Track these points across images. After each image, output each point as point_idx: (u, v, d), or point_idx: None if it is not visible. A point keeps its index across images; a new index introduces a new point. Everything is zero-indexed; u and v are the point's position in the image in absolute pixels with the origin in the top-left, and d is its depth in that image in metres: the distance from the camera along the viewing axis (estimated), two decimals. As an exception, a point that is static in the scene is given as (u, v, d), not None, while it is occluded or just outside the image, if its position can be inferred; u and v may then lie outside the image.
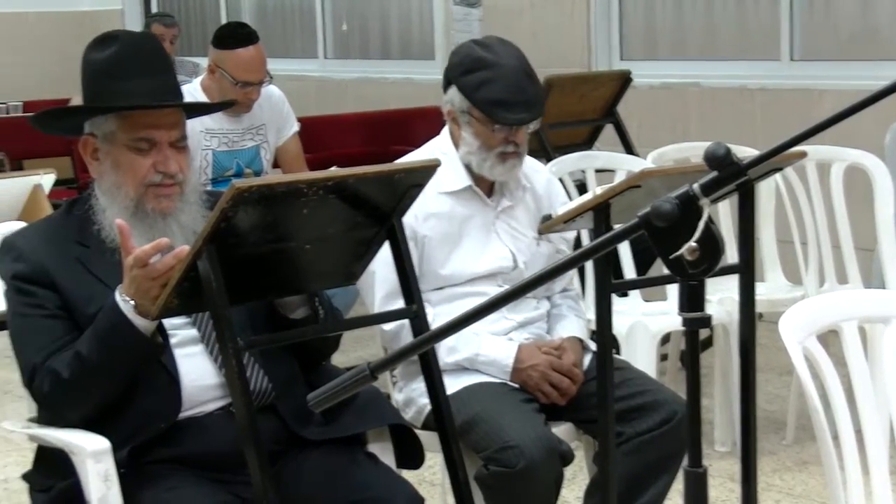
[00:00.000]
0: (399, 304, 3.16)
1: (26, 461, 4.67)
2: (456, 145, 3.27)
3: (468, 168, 3.26)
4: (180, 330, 2.64)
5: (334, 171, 2.79)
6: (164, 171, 2.61)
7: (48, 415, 2.65)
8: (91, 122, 2.66)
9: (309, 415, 2.61)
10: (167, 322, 2.59)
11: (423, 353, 2.62)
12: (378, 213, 2.53)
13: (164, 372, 2.59)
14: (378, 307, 3.15)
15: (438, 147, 3.31)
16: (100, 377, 2.52)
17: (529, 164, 3.40)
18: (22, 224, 2.84)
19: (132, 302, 2.45)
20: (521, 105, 3.16)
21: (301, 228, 2.40)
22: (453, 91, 3.22)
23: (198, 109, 3.10)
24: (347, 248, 2.55)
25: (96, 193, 2.66)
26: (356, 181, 2.42)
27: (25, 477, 2.75)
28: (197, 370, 2.62)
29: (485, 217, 3.29)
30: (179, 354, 2.62)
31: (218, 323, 2.32)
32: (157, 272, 2.40)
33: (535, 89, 3.21)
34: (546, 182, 3.44)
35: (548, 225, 3.06)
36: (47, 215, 2.81)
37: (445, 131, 3.32)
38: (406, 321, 3.13)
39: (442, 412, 2.64)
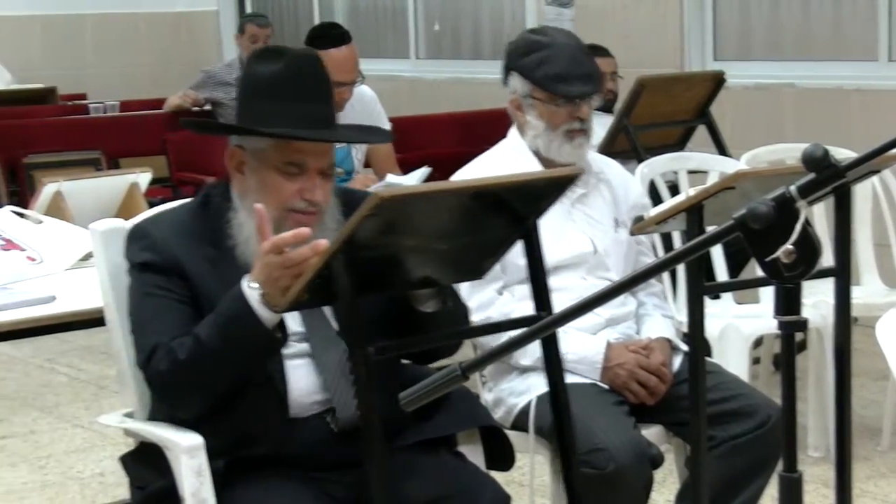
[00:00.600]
0: (486, 291, 3.17)
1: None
2: (523, 134, 3.32)
3: (538, 156, 3.28)
4: (296, 343, 2.59)
5: (478, 179, 2.80)
6: (309, 199, 2.55)
7: (160, 398, 2.61)
8: (241, 136, 2.62)
9: (401, 417, 2.61)
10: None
11: (546, 341, 2.61)
12: (514, 217, 2.55)
13: (271, 378, 2.56)
14: (466, 295, 3.15)
15: (508, 144, 3.37)
16: (215, 364, 2.47)
17: (600, 158, 3.46)
18: (119, 221, 2.87)
19: (259, 290, 2.42)
20: (580, 78, 3.23)
21: (436, 232, 2.42)
22: (514, 78, 3.30)
23: (351, 141, 3.02)
24: (480, 246, 2.56)
25: (235, 205, 2.61)
26: (498, 189, 2.45)
27: (124, 465, 2.76)
28: (304, 384, 2.59)
29: (560, 205, 3.27)
30: (290, 365, 2.58)
31: (347, 321, 2.32)
32: (293, 261, 2.36)
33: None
34: (620, 174, 3.48)
35: (640, 226, 3.05)
36: (180, 206, 2.74)
37: (512, 131, 3.37)
38: (493, 315, 3.14)
39: (560, 403, 2.64)
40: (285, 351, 2.57)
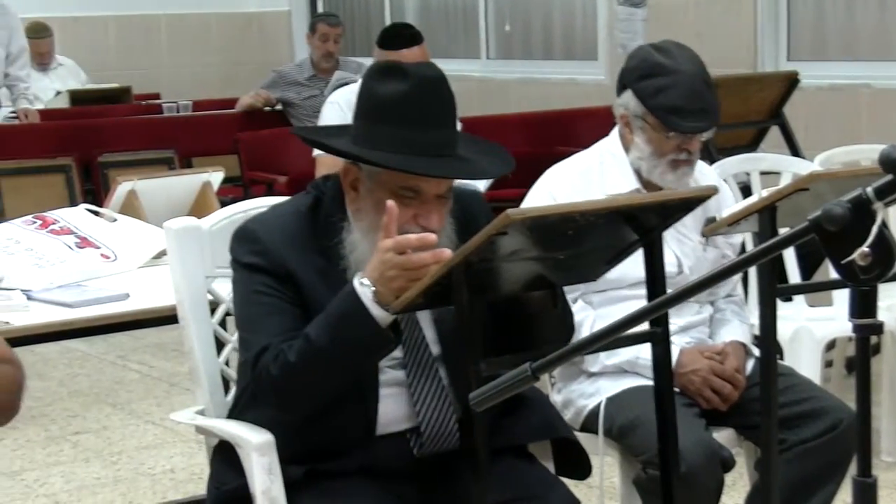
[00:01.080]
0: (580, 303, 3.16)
1: (192, 452, 4.80)
2: (626, 149, 3.24)
3: (637, 173, 3.23)
4: (391, 370, 2.55)
5: (611, 200, 2.78)
6: (424, 225, 2.43)
7: (268, 401, 2.54)
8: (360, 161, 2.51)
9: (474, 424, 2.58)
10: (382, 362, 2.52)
11: (656, 342, 2.59)
12: (640, 228, 2.54)
13: (363, 411, 2.53)
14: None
15: (607, 148, 3.28)
16: (326, 364, 2.42)
17: (698, 167, 3.35)
18: (192, 220, 2.89)
19: (372, 288, 2.36)
20: (697, 113, 3.12)
21: (562, 245, 2.40)
22: (628, 95, 3.19)
23: (473, 177, 2.88)
24: (602, 255, 2.56)
25: (349, 223, 2.53)
26: (630, 209, 2.45)
27: (212, 466, 2.75)
28: (394, 412, 2.55)
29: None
30: (383, 393, 2.54)
31: (463, 326, 2.31)
32: (413, 265, 2.31)
33: (712, 98, 3.17)
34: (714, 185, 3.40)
35: (712, 227, 3.02)
36: (289, 205, 2.65)
37: (615, 133, 3.29)
38: (581, 319, 3.13)
39: (664, 401, 2.62)
40: (381, 377, 2.53)
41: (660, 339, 2.57)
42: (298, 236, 2.53)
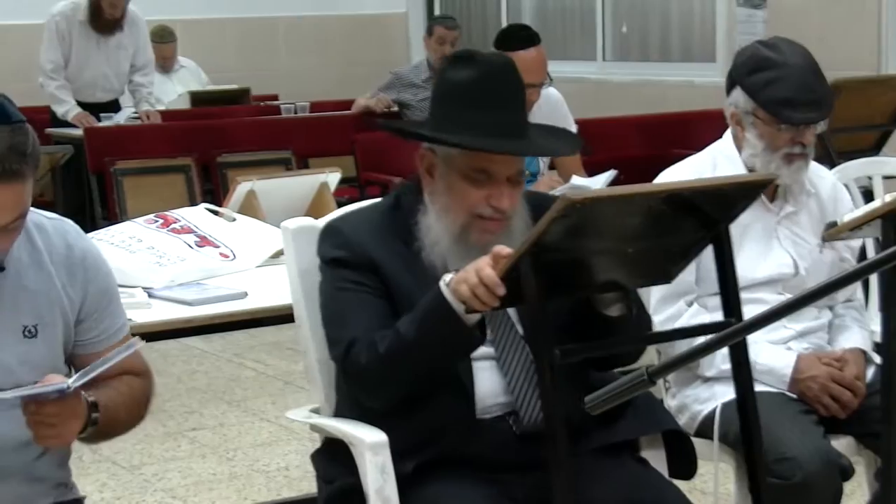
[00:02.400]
0: (675, 306, 3.14)
1: (306, 450, 4.85)
2: (739, 148, 3.21)
3: (752, 171, 3.19)
4: (481, 347, 2.58)
5: (667, 184, 2.79)
6: (495, 206, 2.55)
7: (356, 389, 2.63)
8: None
9: (587, 419, 2.59)
10: None
11: (735, 348, 2.57)
12: (705, 221, 2.51)
13: (461, 389, 2.58)
14: (653, 309, 3.12)
15: (720, 150, 3.25)
16: (414, 357, 2.49)
17: (814, 169, 3.30)
18: (309, 220, 2.92)
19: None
20: (808, 104, 3.08)
21: (625, 234, 2.40)
22: (737, 92, 3.16)
23: (542, 154, 2.95)
24: (669, 250, 2.54)
25: (426, 207, 2.64)
26: (689, 194, 2.42)
27: (314, 461, 2.81)
28: (489, 387, 2.60)
29: (766, 222, 3.22)
30: (476, 367, 2.60)
31: (534, 324, 2.34)
32: (476, 280, 2.38)
33: (823, 88, 3.13)
34: (831, 187, 3.34)
35: (832, 232, 2.98)
36: (372, 205, 2.78)
37: (727, 134, 3.26)
38: (680, 320, 3.11)
39: (748, 411, 2.60)
40: (472, 354, 2.58)
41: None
42: (380, 228, 2.64)
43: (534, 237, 2.27)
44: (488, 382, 2.61)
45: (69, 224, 2.49)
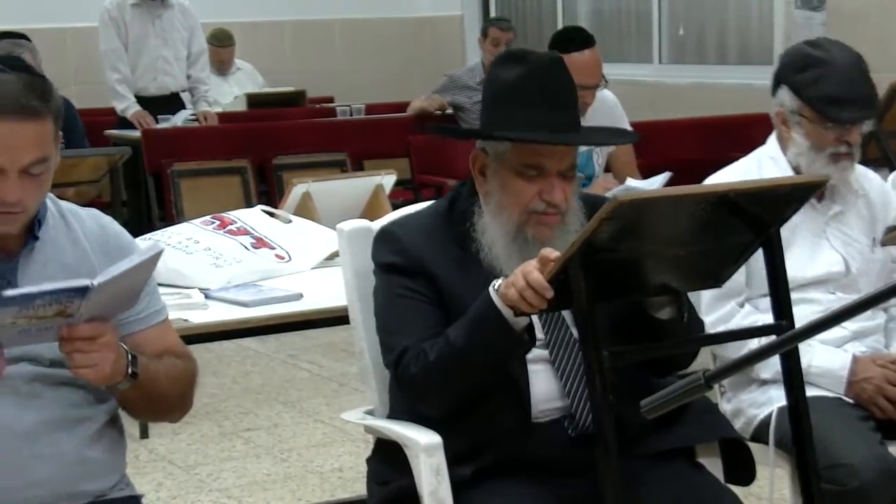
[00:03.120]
0: (727, 305, 3.12)
1: (360, 452, 4.86)
2: (784, 149, 3.20)
3: (797, 171, 3.18)
4: (536, 349, 2.60)
5: (717, 185, 2.78)
6: (548, 200, 2.57)
7: (408, 397, 2.65)
8: (484, 140, 2.65)
9: (643, 427, 2.58)
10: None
11: (786, 354, 2.56)
12: (756, 223, 2.50)
13: (514, 382, 2.58)
14: (705, 310, 3.11)
15: (765, 153, 3.25)
16: (464, 365, 2.51)
17: (861, 171, 3.29)
18: (364, 222, 2.93)
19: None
20: (854, 102, 3.07)
21: (675, 237, 2.40)
22: (783, 91, 3.15)
23: (590, 144, 2.95)
24: (719, 253, 2.53)
25: (481, 209, 2.65)
26: (738, 196, 2.41)
27: (369, 463, 2.82)
28: (544, 389, 2.61)
29: (814, 222, 3.20)
30: (531, 370, 2.60)
31: (583, 326, 2.33)
32: (523, 283, 2.39)
33: (868, 88, 3.13)
34: (880, 188, 3.33)
35: (893, 236, 2.95)
36: (427, 208, 2.80)
37: (772, 137, 3.26)
38: (732, 321, 3.09)
39: (800, 415, 2.58)
40: (527, 356, 2.58)
41: (785, 330, 2.55)
42: (435, 231, 2.65)
43: (583, 238, 2.27)
44: (544, 385, 2.61)
45: (102, 213, 2.55)
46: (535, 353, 2.60)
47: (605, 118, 5.06)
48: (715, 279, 2.60)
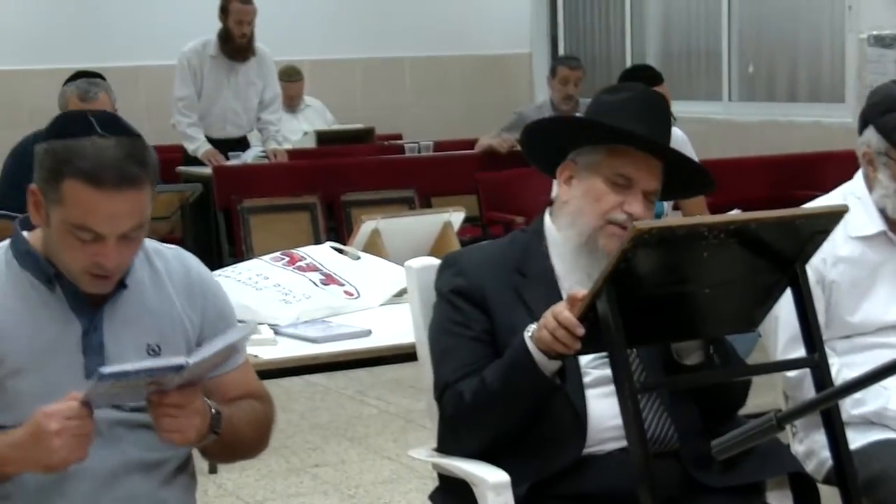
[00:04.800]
0: (803, 349, 3.08)
1: (427, 489, 4.85)
2: (870, 188, 3.16)
3: (883, 213, 3.14)
4: (594, 370, 2.64)
5: (736, 214, 2.76)
6: (629, 212, 2.63)
7: (448, 436, 2.71)
8: (578, 151, 2.72)
9: (710, 461, 2.57)
10: (582, 361, 2.61)
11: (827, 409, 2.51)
12: (781, 259, 2.48)
13: (570, 409, 2.61)
14: (781, 352, 3.07)
15: (851, 191, 3.20)
16: (497, 407, 2.57)
17: None
18: (432, 259, 2.94)
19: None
20: None
21: (701, 272, 2.39)
22: (870, 132, 3.11)
23: (682, 161, 2.91)
24: (748, 293, 2.51)
25: (547, 220, 2.73)
26: (758, 226, 2.39)
27: (433, 500, 2.83)
28: (604, 409, 2.61)
29: (894, 264, 3.15)
30: (591, 394, 2.63)
31: (615, 363, 2.33)
32: (553, 322, 2.44)
33: None
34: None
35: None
36: (492, 241, 2.90)
37: (858, 175, 3.21)
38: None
39: (843, 466, 2.54)
40: (586, 380, 2.63)
41: (816, 364, 2.52)
42: (497, 258, 2.73)
43: (608, 270, 2.28)
44: (605, 406, 2.61)
45: (187, 252, 2.58)
46: (594, 375, 2.63)
47: (674, 156, 5.05)
48: (747, 322, 2.57)
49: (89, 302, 2.39)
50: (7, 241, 2.43)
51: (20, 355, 2.34)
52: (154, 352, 2.41)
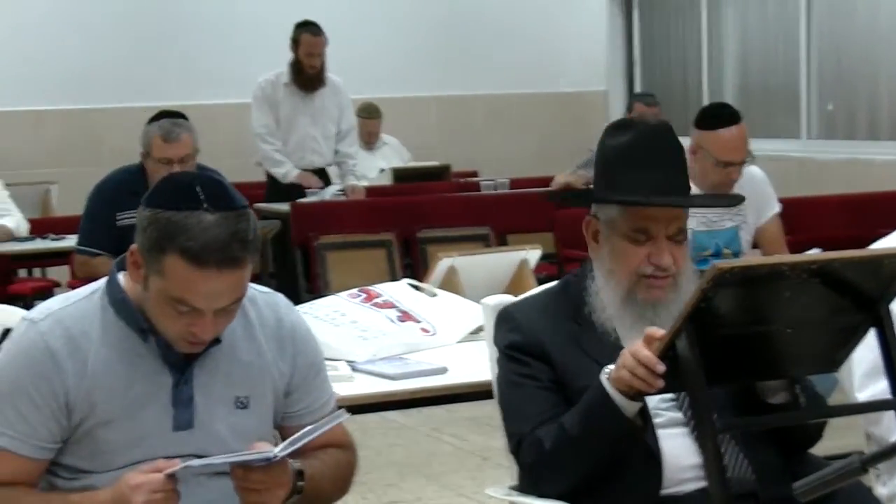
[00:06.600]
0: (882, 383, 3.04)
1: (503, 527, 4.79)
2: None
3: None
4: (666, 412, 2.64)
5: (818, 254, 2.74)
6: (656, 264, 2.62)
7: (530, 483, 2.70)
8: (597, 206, 2.73)
9: (789, 503, 2.54)
10: (651, 402, 2.60)
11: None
12: (864, 299, 2.44)
13: (646, 449, 2.60)
14: (858, 386, 3.03)
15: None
16: (578, 451, 2.56)
17: None
18: (508, 297, 2.94)
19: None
20: None
21: (782, 311, 2.37)
22: None
23: (697, 205, 2.97)
24: (830, 333, 2.48)
25: (593, 274, 2.72)
26: (841, 265, 2.36)
27: None
28: (678, 449, 2.60)
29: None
30: (663, 434, 2.62)
31: (695, 403, 2.31)
32: (632, 361, 2.41)
33: None
34: None
35: None
36: (543, 289, 2.88)
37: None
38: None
39: None
40: (657, 421, 2.61)
41: None
42: (551, 308, 2.72)
43: (687, 310, 2.26)
44: (679, 447, 2.61)
45: (280, 297, 2.57)
46: (669, 416, 2.62)
47: (752, 194, 5.01)
48: (828, 363, 2.54)
49: (181, 356, 2.39)
50: (102, 284, 2.43)
51: (111, 405, 2.35)
52: (242, 405, 2.43)
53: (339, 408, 2.51)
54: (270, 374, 2.46)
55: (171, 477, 2.23)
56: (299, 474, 2.36)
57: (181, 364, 2.39)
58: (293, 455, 2.32)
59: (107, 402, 2.34)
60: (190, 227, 2.24)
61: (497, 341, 2.76)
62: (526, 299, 2.85)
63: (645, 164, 2.63)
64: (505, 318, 2.76)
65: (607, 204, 2.67)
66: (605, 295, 2.66)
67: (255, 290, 2.53)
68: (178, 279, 2.26)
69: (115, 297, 2.39)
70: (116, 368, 2.36)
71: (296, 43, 7.97)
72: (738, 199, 3.00)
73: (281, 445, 2.29)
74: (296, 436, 2.30)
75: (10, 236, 6.69)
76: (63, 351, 2.33)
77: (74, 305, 2.39)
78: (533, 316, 2.72)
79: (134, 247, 2.33)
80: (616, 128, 2.74)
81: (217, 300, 2.29)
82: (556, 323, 2.69)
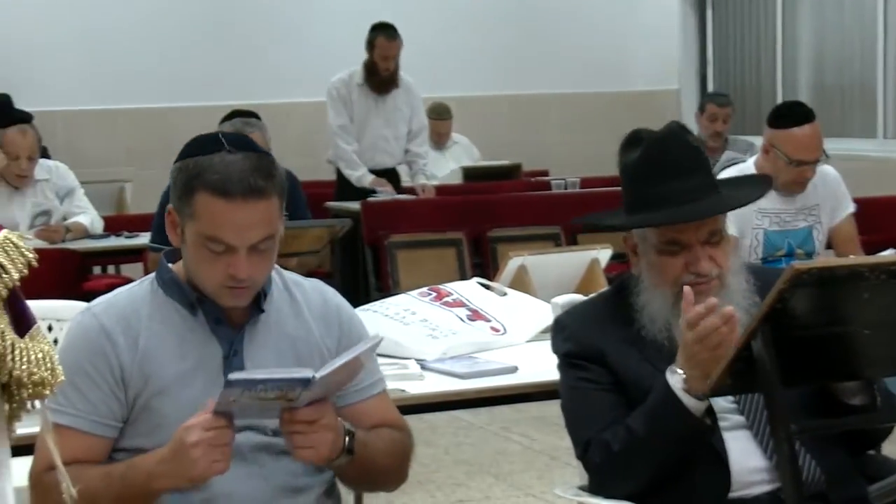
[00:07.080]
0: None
1: (571, 527, 4.78)
2: None
3: None
4: (729, 415, 2.63)
5: None
6: (694, 272, 2.60)
7: (599, 485, 2.70)
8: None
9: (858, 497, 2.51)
10: (716, 406, 2.58)
11: None
12: None
13: (712, 452, 2.58)
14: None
15: None
16: (646, 452, 2.55)
17: None
18: (578, 297, 2.94)
19: (683, 376, 2.48)
20: None
21: (860, 312, 2.35)
22: None
23: (723, 211, 2.88)
24: None
25: (638, 289, 2.69)
26: None
27: None
28: (744, 452, 2.59)
29: None
30: (728, 437, 2.60)
31: (770, 404, 2.29)
32: (705, 332, 2.41)
33: None
34: None
35: None
36: (597, 295, 2.89)
37: None
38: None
39: None
40: (723, 424, 2.59)
41: None
42: (603, 315, 2.72)
43: (763, 311, 2.25)
44: (743, 452, 2.59)
45: (324, 284, 2.64)
46: (731, 419, 2.61)
47: (826, 194, 4.97)
48: None
49: (230, 326, 2.45)
50: (154, 273, 2.53)
51: (164, 375, 2.41)
52: None
53: (402, 408, 2.51)
54: (319, 350, 2.50)
55: (224, 415, 2.25)
56: (350, 433, 2.37)
57: (230, 335, 2.46)
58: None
59: (159, 373, 2.41)
60: (214, 163, 2.36)
61: (555, 349, 2.77)
62: (577, 307, 2.86)
63: (659, 177, 2.62)
64: (558, 328, 2.77)
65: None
66: (652, 308, 2.64)
67: (300, 278, 2.60)
68: (208, 215, 2.36)
69: (164, 277, 2.49)
70: (167, 342, 2.43)
71: (371, 45, 7.99)
72: (766, 182, 2.92)
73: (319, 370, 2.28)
74: (332, 361, 2.31)
75: (85, 234, 6.79)
76: (116, 328, 2.43)
77: (127, 291, 2.52)
78: (586, 323, 2.72)
79: (169, 206, 2.44)
80: (626, 145, 2.73)
81: (247, 234, 2.36)
82: (612, 328, 2.68)
